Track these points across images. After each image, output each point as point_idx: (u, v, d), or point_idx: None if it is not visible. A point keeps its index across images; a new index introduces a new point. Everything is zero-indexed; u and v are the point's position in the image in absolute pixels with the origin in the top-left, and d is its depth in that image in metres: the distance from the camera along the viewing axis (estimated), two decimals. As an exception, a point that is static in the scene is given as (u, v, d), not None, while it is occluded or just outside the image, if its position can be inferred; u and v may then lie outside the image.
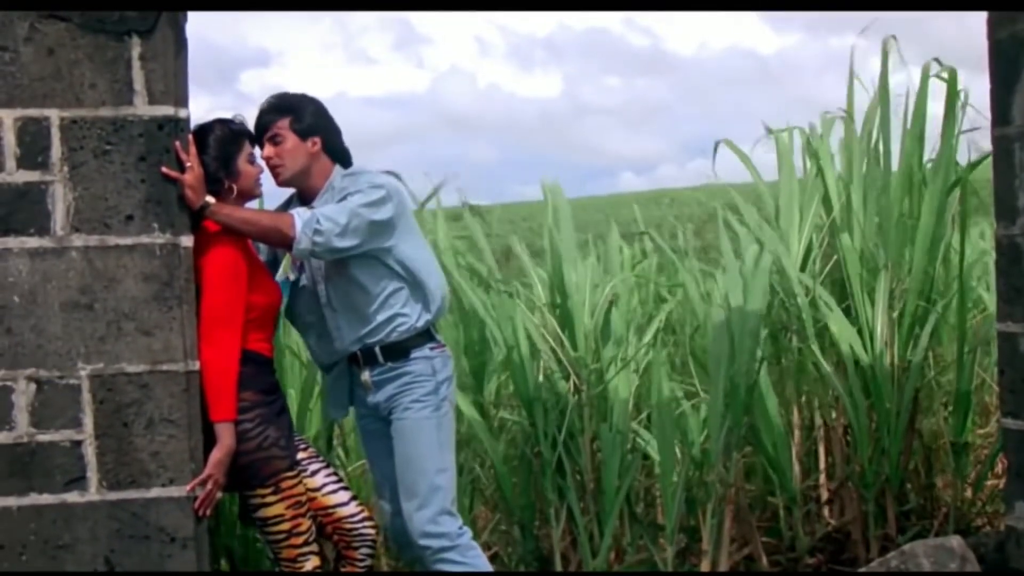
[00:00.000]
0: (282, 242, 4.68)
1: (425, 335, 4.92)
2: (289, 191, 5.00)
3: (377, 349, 4.88)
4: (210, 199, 4.47)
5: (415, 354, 4.89)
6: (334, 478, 4.87)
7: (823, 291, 6.48)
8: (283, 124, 4.80)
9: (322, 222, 4.62)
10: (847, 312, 6.51)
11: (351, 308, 4.87)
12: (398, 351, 4.88)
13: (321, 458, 4.93)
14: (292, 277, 4.94)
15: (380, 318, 4.85)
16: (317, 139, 4.85)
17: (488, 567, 4.94)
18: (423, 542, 4.85)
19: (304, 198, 4.89)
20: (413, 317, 4.87)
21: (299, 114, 4.83)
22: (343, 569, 4.87)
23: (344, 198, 4.75)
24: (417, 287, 4.88)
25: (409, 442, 4.87)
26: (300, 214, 4.64)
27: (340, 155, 4.94)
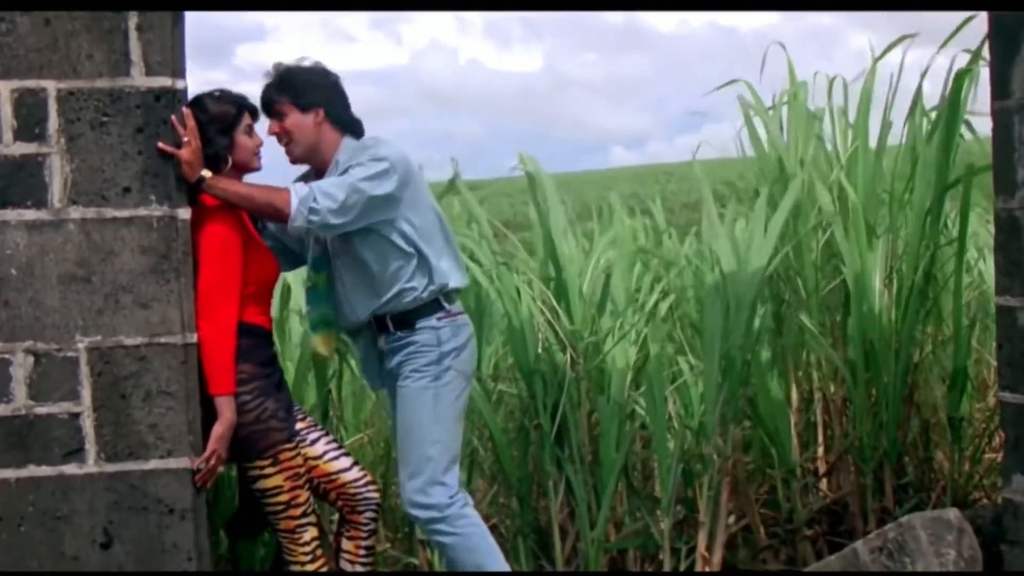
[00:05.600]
0: (277, 218, 4.68)
1: (433, 305, 4.91)
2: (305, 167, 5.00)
3: (388, 318, 4.89)
4: (206, 172, 4.46)
5: (420, 324, 4.89)
6: (334, 445, 4.89)
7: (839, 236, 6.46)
8: (283, 100, 4.80)
9: (319, 199, 4.61)
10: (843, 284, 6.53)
11: (360, 283, 4.88)
12: (404, 321, 4.89)
13: (320, 426, 4.94)
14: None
15: (388, 293, 4.86)
16: (320, 110, 4.83)
17: (482, 533, 4.93)
18: (412, 511, 4.87)
19: (320, 174, 4.88)
20: (419, 289, 4.87)
21: (299, 90, 4.81)
22: (348, 533, 4.88)
23: (347, 171, 4.74)
24: (423, 259, 4.87)
25: (406, 411, 4.89)
26: (297, 190, 4.63)
27: (348, 125, 4.92)
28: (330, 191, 4.64)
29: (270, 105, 4.82)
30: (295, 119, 4.80)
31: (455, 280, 4.97)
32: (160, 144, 4.27)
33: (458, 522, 4.86)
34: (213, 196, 4.51)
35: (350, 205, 4.65)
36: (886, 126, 6.61)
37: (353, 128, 4.93)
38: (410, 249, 4.85)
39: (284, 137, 4.83)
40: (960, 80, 6.26)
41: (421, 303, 4.89)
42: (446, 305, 4.96)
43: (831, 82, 6.97)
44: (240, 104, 4.69)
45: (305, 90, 4.82)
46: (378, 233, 4.80)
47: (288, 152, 4.86)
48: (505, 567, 4.99)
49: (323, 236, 4.83)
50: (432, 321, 4.90)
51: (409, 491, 4.85)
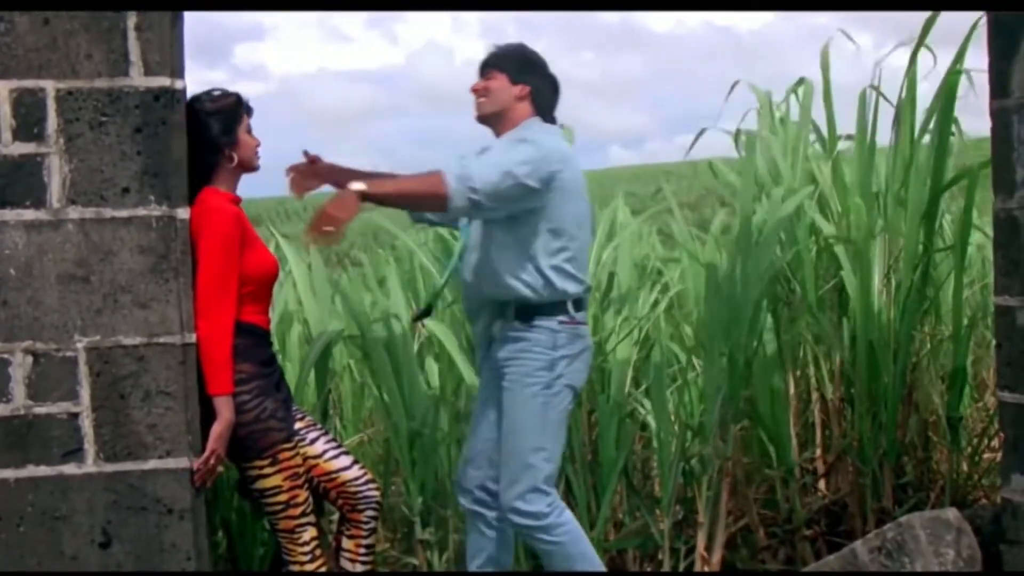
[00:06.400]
0: (438, 206, 4.73)
1: (558, 307, 4.88)
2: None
3: (511, 305, 4.89)
4: (358, 185, 4.56)
5: (539, 322, 4.86)
6: (334, 444, 4.88)
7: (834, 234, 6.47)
8: (499, 67, 4.99)
9: (475, 177, 4.65)
10: (840, 285, 6.55)
11: (491, 260, 4.89)
12: (525, 312, 4.87)
13: (319, 426, 4.94)
14: None
15: (513, 279, 4.85)
16: (527, 88, 4.97)
17: (579, 539, 4.92)
18: (511, 517, 4.88)
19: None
20: (541, 286, 4.84)
21: (517, 64, 5.01)
22: (348, 532, 4.88)
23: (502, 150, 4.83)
24: (545, 259, 4.85)
25: (514, 415, 4.87)
26: (450, 169, 4.67)
27: (545, 109, 5.03)
28: (486, 175, 4.67)
29: (486, 65, 5.02)
30: (501, 84, 4.97)
31: (573, 287, 4.92)
32: (307, 235, 4.50)
33: (556, 530, 4.85)
34: (374, 201, 4.61)
35: (503, 189, 4.70)
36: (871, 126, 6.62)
37: (547, 113, 5.05)
38: (544, 243, 4.84)
39: (482, 93, 5.00)
40: (952, 78, 6.27)
41: (545, 300, 4.86)
42: (571, 311, 4.92)
43: (787, 89, 7.01)
44: (240, 102, 4.70)
45: (522, 66, 5.02)
46: (518, 219, 4.83)
47: (478, 107, 5.01)
48: (594, 561, 4.99)
49: (480, 217, 4.89)
50: (552, 323, 4.86)
51: (508, 498, 4.85)
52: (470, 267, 5.01)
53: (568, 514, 4.95)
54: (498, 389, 4.96)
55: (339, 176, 4.85)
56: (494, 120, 5.01)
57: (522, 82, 4.99)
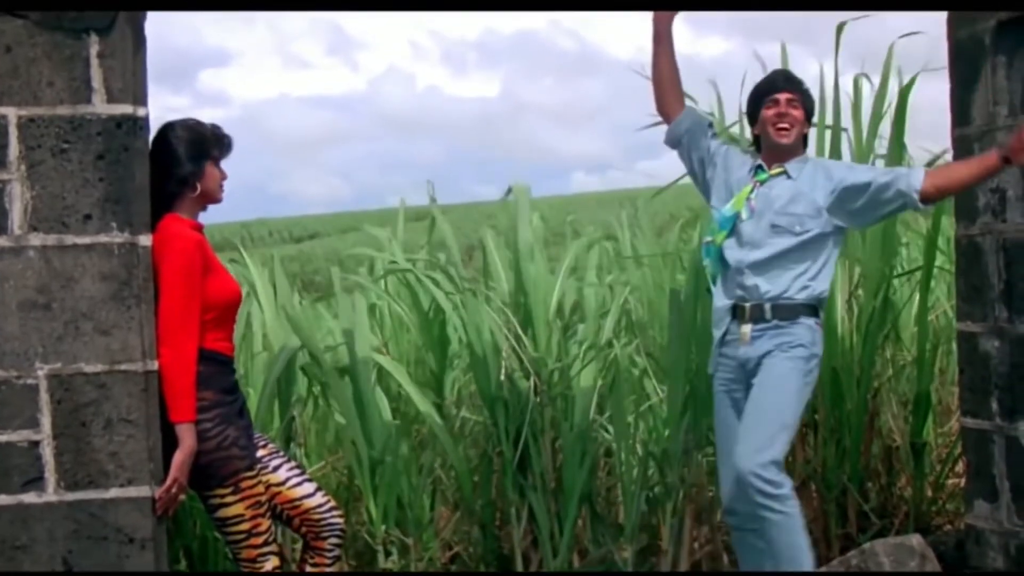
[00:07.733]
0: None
1: (814, 308, 5.07)
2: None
3: (767, 305, 5.04)
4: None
5: (803, 320, 5.04)
6: (297, 471, 4.85)
7: None
8: (805, 105, 5.23)
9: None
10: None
11: (780, 261, 5.04)
12: (788, 311, 5.03)
13: (282, 453, 4.90)
14: (741, 215, 5.14)
15: (790, 279, 5.03)
16: (808, 127, 5.29)
17: (801, 517, 4.97)
18: (750, 480, 4.87)
19: (771, 156, 5.21)
20: (816, 289, 5.04)
21: (811, 106, 5.30)
22: (312, 560, 4.85)
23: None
24: (829, 266, 5.08)
25: (769, 390, 4.98)
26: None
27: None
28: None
29: (795, 88, 5.22)
30: (801, 116, 5.18)
31: (827, 291, 5.18)
32: None
33: (788, 502, 4.91)
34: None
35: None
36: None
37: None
38: (831, 253, 5.09)
39: (792, 122, 5.17)
40: (904, 99, 6.30)
41: (808, 302, 5.04)
42: (820, 314, 5.13)
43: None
44: (214, 134, 4.67)
45: (812, 110, 5.32)
46: (830, 235, 5.08)
47: (784, 135, 5.16)
48: (810, 552, 5.04)
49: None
50: (811, 322, 5.05)
51: (753, 463, 4.87)
52: (750, 266, 5.10)
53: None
54: (738, 408, 5.08)
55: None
56: (793, 149, 5.19)
57: (807, 129, 5.28)
